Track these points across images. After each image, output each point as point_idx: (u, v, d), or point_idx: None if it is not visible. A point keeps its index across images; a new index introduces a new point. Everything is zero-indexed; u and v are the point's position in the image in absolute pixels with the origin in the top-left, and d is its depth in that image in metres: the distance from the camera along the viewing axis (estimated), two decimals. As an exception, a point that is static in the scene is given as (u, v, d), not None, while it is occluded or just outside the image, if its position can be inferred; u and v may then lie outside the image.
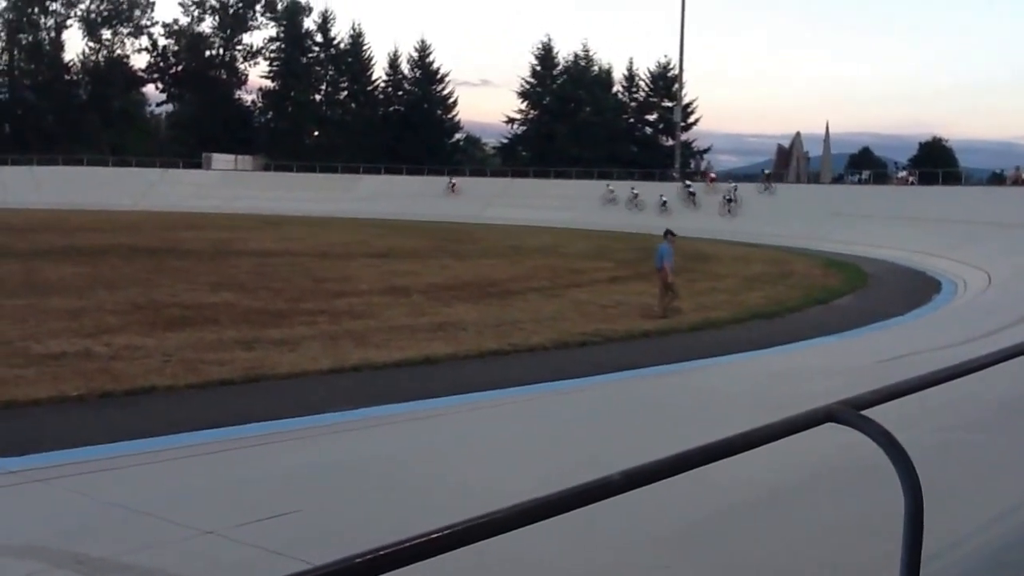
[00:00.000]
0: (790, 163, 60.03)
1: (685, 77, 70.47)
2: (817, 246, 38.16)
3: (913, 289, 24.20)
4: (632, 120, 78.72)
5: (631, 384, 11.33)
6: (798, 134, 61.19)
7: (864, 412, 2.49)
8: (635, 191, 56.02)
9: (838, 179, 61.43)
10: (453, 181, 63.55)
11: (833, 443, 3.82)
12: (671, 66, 73.96)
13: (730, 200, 52.22)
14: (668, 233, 19.06)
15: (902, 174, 58.33)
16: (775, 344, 14.69)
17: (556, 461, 6.09)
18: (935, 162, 61.13)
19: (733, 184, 55.48)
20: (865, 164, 69.30)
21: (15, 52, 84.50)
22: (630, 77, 78.50)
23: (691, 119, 75.50)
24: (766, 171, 60.30)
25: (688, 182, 56.51)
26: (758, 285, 23.75)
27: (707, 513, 4.86)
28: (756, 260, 31.69)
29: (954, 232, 34.24)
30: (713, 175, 59.80)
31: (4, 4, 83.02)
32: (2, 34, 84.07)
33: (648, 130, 79.04)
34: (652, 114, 78.39)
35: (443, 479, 5.83)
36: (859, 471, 4.79)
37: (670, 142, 73.55)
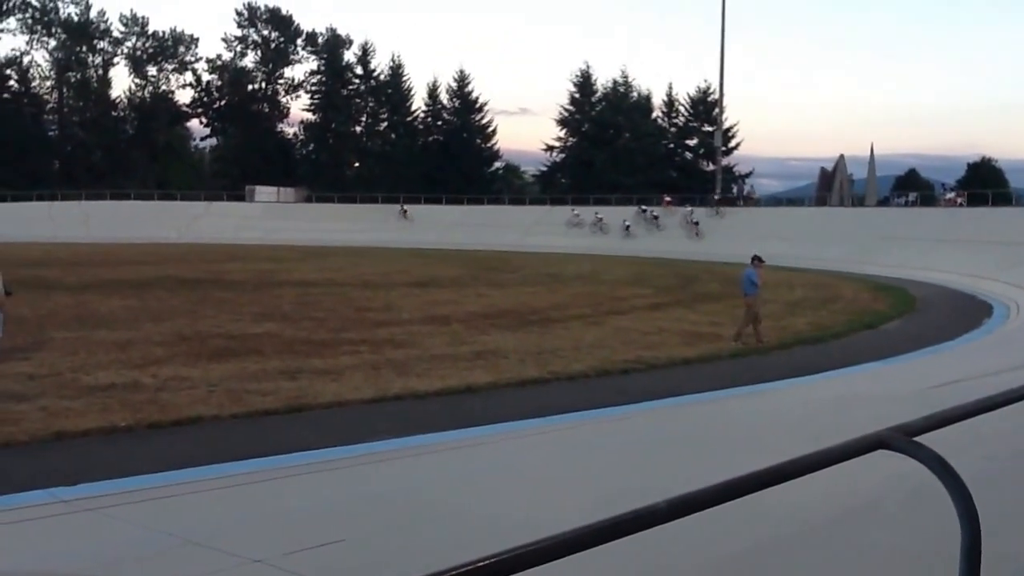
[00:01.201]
0: (833, 186, 59.59)
1: (726, 101, 70.46)
2: (863, 270, 37.73)
3: (963, 313, 23.79)
4: (672, 145, 78.66)
5: (674, 411, 11.24)
6: (841, 156, 60.83)
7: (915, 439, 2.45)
8: (599, 215, 59.13)
9: (884, 201, 60.82)
10: (405, 208, 65.98)
11: (882, 471, 3.75)
12: (711, 91, 74.00)
13: (696, 223, 55.46)
14: (755, 259, 18.57)
15: (950, 195, 57.60)
16: (821, 370, 14.49)
17: (599, 490, 6.05)
18: (984, 183, 60.26)
19: (690, 208, 58.58)
20: (911, 186, 68.46)
21: (64, 90, 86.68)
22: (670, 103, 78.57)
23: (732, 143, 75.32)
24: (716, 196, 62.59)
25: (645, 207, 59.29)
26: (802, 310, 23.49)
27: (755, 543, 4.79)
28: (799, 285, 31.35)
29: (1005, 254, 33.65)
30: (668, 199, 61.46)
31: (53, 43, 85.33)
32: (52, 72, 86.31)
33: (688, 155, 78.92)
34: (692, 139, 78.29)
35: (484, 508, 5.82)
36: (910, 500, 4.71)
37: (711, 167, 73.35)
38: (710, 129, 73.58)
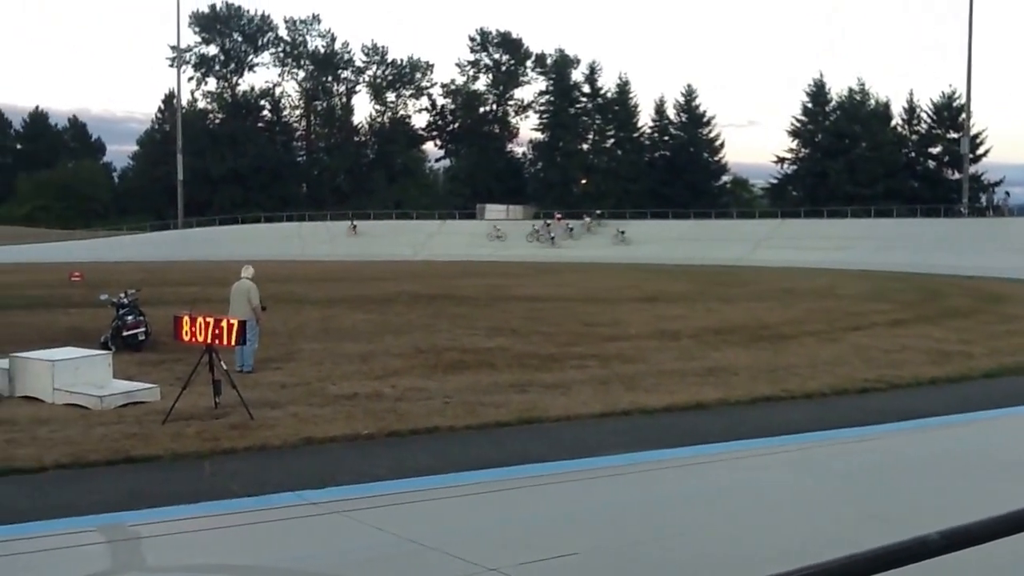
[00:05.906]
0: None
1: (974, 105, 65.60)
2: None
3: None
4: (913, 154, 74.23)
5: (918, 434, 10.54)
6: (1109, 161, 55.36)
7: None
8: (548, 223, 65.54)
9: None
10: (354, 223, 69.19)
11: None
12: (957, 95, 69.26)
13: (623, 232, 62.35)
14: None
15: None
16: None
17: (837, 514, 5.76)
18: None
19: (587, 218, 65.90)
20: None
21: (311, 117, 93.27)
22: (910, 109, 74.20)
23: (980, 150, 70.06)
24: (597, 211, 67.38)
25: (548, 221, 65.75)
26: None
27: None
28: (1062, 301, 28.64)
29: None
30: (559, 215, 66.64)
31: (302, 74, 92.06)
32: (300, 102, 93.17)
33: (931, 164, 74.17)
34: (936, 147, 73.49)
35: (719, 529, 5.67)
36: None
37: (956, 175, 68.59)
38: (955, 136, 68.84)
